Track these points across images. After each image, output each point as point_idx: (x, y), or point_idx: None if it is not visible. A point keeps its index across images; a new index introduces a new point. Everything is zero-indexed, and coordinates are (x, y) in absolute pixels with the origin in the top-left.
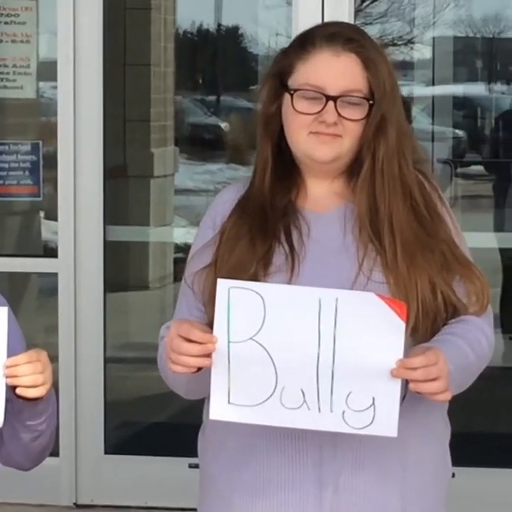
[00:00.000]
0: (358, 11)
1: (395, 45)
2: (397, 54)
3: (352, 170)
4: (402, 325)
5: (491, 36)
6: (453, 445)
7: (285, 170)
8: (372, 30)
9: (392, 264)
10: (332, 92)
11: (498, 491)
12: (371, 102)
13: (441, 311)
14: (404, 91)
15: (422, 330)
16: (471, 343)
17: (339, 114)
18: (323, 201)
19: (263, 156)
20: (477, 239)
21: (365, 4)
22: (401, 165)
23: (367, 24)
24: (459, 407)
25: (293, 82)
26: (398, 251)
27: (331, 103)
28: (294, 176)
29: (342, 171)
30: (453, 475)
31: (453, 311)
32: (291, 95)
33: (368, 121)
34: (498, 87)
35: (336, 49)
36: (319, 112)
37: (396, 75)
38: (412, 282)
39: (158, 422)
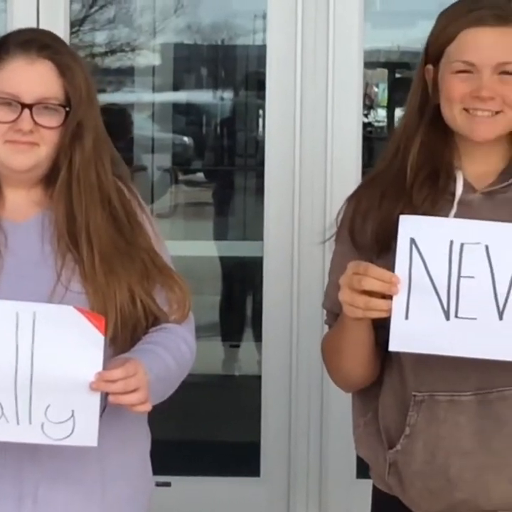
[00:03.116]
0: (86, 17)
1: (122, 51)
2: (125, 60)
3: (50, 178)
4: (101, 338)
5: (218, 43)
6: (170, 454)
7: None
8: (100, 37)
9: (91, 274)
10: (27, 100)
11: (215, 499)
12: (68, 108)
13: (142, 320)
14: (131, 98)
15: (122, 339)
16: (172, 352)
17: (35, 122)
18: (21, 210)
19: None
20: (200, 247)
21: (93, 10)
22: (99, 172)
23: (95, 30)
24: (179, 414)
25: None
26: (96, 260)
27: (26, 111)
28: None
29: (39, 179)
30: (169, 484)
31: (154, 319)
32: None
33: (64, 128)
34: (225, 94)
35: (30, 56)
36: (15, 120)
37: (93, 81)
38: (110, 291)
39: None
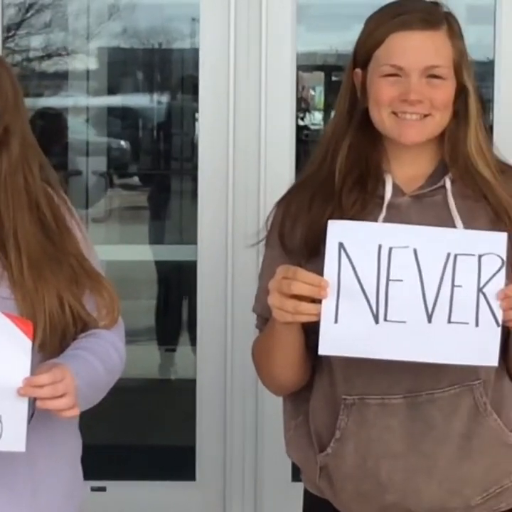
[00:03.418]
0: (22, 21)
1: (59, 55)
2: (62, 64)
3: None
4: (29, 344)
5: (154, 47)
6: (106, 458)
7: None
8: (37, 41)
9: (19, 279)
10: None
11: (151, 503)
12: None
13: (70, 326)
14: (68, 102)
15: (50, 346)
16: (100, 357)
17: None
18: None
19: None
20: (136, 251)
21: (29, 14)
22: (26, 178)
23: (31, 34)
24: (116, 418)
25: None
26: (24, 266)
27: None
28: None
29: None
30: (104, 489)
31: (83, 325)
32: None
33: None
34: (161, 98)
35: None
36: None
37: (20, 86)
38: (39, 297)
39: None
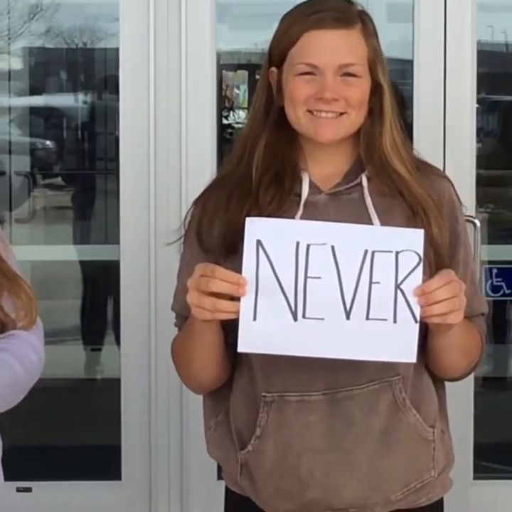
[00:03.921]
0: None
1: None
2: None
3: None
4: None
5: (77, 47)
6: (32, 459)
7: None
8: None
9: None
10: None
11: (77, 503)
12: None
13: None
14: None
15: None
16: (19, 358)
17: None
18: None
19: None
20: (60, 251)
21: None
22: None
23: None
24: (41, 419)
25: None
26: None
27: None
28: None
29: None
30: (30, 489)
31: (1, 327)
32: None
33: None
34: (86, 97)
35: None
36: None
37: None
38: None
39: None
